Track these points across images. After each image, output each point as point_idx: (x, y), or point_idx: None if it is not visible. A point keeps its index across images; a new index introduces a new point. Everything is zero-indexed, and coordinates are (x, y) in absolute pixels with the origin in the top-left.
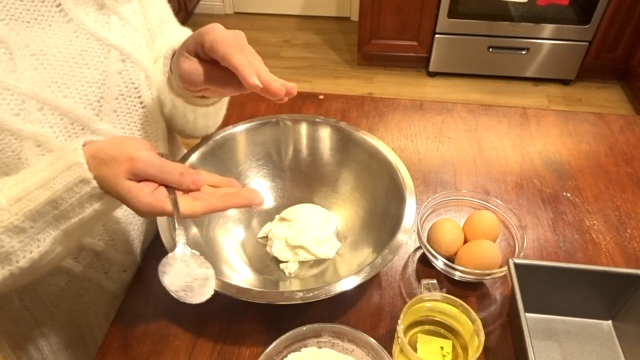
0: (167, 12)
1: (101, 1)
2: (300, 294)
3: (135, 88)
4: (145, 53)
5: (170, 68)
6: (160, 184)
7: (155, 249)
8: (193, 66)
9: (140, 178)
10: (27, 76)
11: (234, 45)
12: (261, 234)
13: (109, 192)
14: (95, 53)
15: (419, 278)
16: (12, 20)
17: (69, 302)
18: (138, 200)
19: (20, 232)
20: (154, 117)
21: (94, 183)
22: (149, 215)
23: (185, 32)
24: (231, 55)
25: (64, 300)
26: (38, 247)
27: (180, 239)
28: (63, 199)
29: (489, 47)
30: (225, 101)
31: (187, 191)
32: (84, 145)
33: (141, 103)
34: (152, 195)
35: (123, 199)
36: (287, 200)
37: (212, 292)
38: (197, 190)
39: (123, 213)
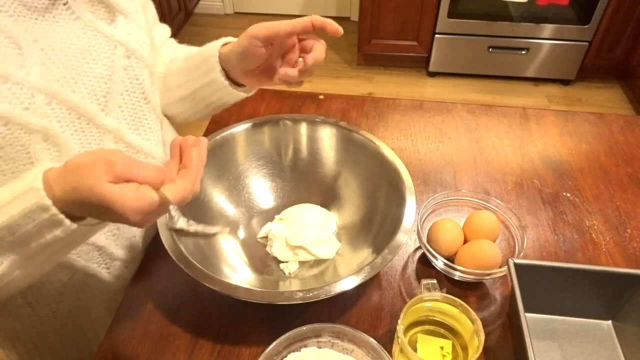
0: (155, 11)
1: None
2: (300, 294)
3: (140, 84)
4: (149, 50)
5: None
6: (142, 183)
7: (156, 246)
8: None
9: (120, 180)
10: (36, 70)
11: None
12: (261, 234)
13: (87, 203)
14: (102, 49)
15: (419, 278)
16: (20, 16)
17: (71, 298)
18: (123, 201)
19: None
20: (157, 114)
21: (54, 210)
22: (137, 215)
23: (165, 29)
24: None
25: (67, 296)
26: None
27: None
28: (19, 225)
29: (489, 47)
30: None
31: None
32: (48, 170)
33: (145, 99)
34: (137, 192)
35: (107, 204)
36: (287, 200)
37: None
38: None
39: None
